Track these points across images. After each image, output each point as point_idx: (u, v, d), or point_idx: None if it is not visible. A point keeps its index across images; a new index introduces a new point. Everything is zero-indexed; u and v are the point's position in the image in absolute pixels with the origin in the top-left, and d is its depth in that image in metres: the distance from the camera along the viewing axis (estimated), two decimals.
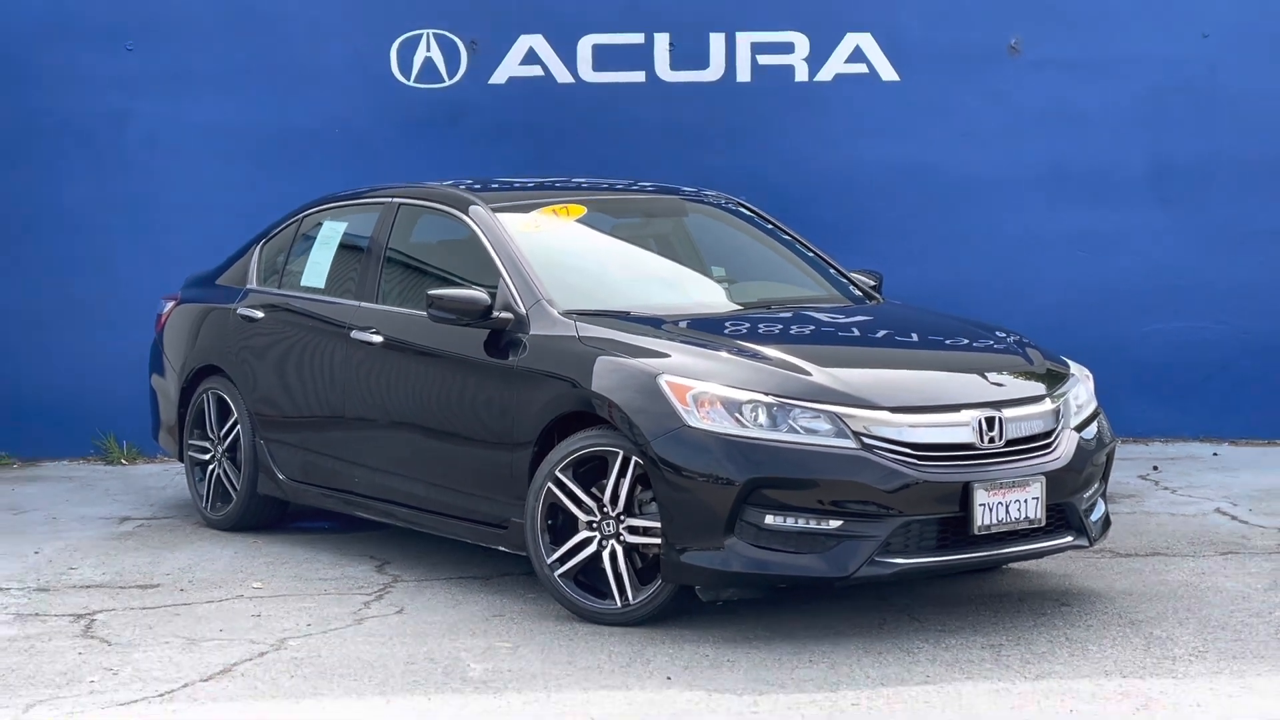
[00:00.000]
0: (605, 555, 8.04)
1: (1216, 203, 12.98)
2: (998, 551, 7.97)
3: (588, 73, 12.86)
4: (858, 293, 9.58)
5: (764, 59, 12.90)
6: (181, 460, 10.84)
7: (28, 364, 12.86)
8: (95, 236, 12.85)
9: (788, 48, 12.89)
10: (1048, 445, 8.10)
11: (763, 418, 7.73)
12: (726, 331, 8.47)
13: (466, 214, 9.23)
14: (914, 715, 6.72)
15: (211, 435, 10.43)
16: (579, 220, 9.46)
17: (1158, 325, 12.88)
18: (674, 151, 12.59)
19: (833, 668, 7.38)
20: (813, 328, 8.79)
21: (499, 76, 12.86)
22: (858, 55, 12.89)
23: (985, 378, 8.21)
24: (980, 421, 7.89)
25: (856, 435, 7.69)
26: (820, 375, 7.89)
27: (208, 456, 10.48)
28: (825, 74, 12.90)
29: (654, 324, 8.47)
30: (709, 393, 7.79)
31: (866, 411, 7.76)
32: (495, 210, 9.18)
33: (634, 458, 7.90)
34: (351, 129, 12.83)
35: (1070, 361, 8.73)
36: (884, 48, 12.89)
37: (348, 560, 9.54)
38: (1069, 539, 8.18)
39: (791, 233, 10.03)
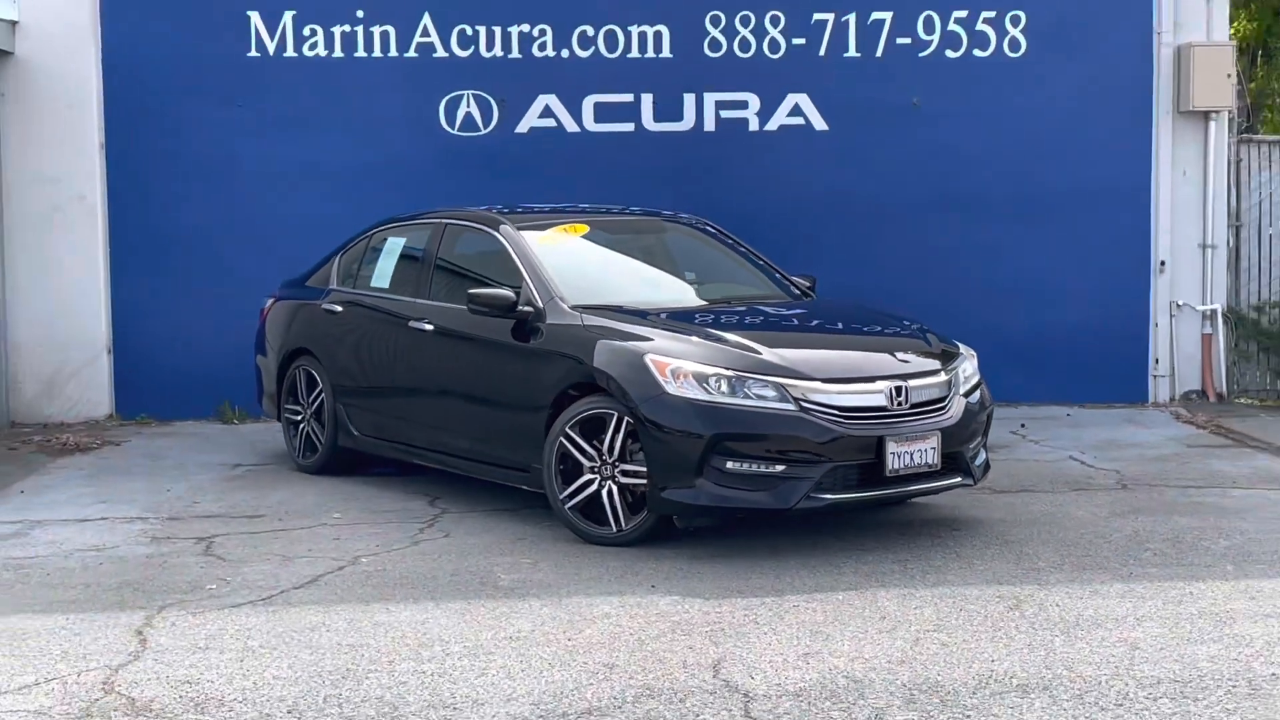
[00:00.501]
0: (604, 493, 8.01)
1: (1067, 222, 12.93)
2: (904, 489, 7.96)
3: (590, 124, 12.77)
4: (797, 292, 9.52)
5: (725, 113, 12.81)
6: (279, 421, 10.76)
7: (163, 347, 12.74)
8: (212, 248, 12.74)
9: (743, 104, 12.80)
10: (942, 408, 8.07)
11: (724, 387, 7.70)
12: (696, 321, 8.43)
13: (497, 231, 9.19)
14: (839, 614, 6.68)
15: (302, 401, 10.36)
16: (583, 236, 9.39)
17: (1024, 315, 12.82)
18: (656, 185, 12.46)
19: (778, 577, 7.34)
20: (762, 318, 8.76)
21: (523, 127, 12.76)
22: (797, 110, 12.80)
23: (894, 356, 8.20)
24: (891, 390, 7.86)
25: (796, 400, 7.65)
26: (768, 354, 7.86)
27: (299, 418, 10.40)
28: (772, 125, 12.82)
29: (640, 315, 8.42)
30: (683, 368, 7.76)
31: (803, 382, 7.72)
32: (519, 228, 9.14)
33: (626, 418, 7.87)
34: (407, 167, 12.72)
35: (959, 344, 8.68)
36: (817, 104, 12.80)
37: (407, 497, 9.47)
38: (958, 479, 8.15)
39: (746, 246, 9.97)
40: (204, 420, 12.75)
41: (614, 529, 7.99)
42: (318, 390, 10.20)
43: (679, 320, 8.39)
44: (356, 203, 12.53)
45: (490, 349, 8.76)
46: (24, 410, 12.65)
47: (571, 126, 12.78)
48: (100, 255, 12.65)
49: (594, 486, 8.04)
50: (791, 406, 7.65)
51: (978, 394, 8.39)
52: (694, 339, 8.02)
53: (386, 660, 6.11)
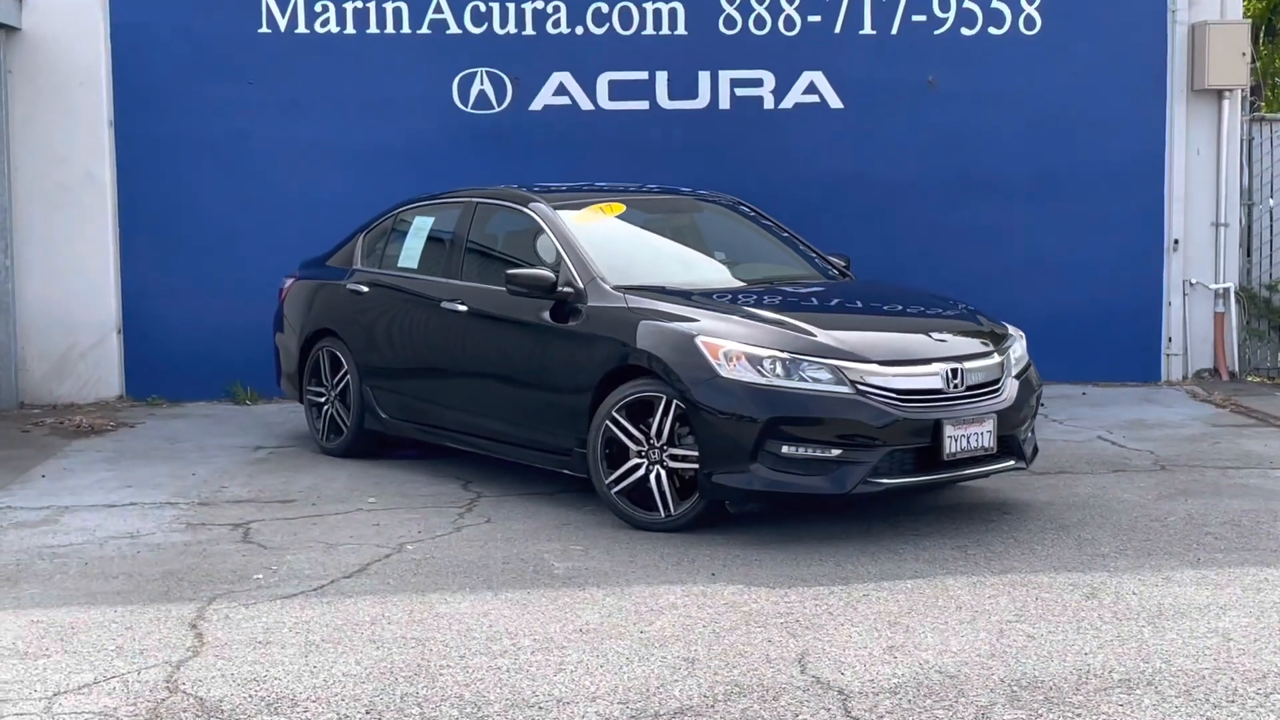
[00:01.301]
0: (651, 478, 7.69)
1: (1081, 201, 12.68)
2: (959, 473, 7.66)
3: (605, 102, 12.41)
4: (834, 272, 9.20)
5: (740, 91, 12.47)
6: (301, 403, 10.40)
7: (174, 327, 12.34)
8: (224, 228, 12.34)
9: (758, 82, 12.46)
10: (996, 390, 7.79)
11: (779, 369, 7.38)
12: (742, 301, 8.10)
13: (532, 210, 8.84)
14: (912, 603, 6.38)
15: (326, 383, 10.00)
16: (618, 216, 9.02)
17: (1037, 294, 12.53)
18: (671, 164, 12.15)
19: (839, 565, 7.04)
20: (807, 299, 8.45)
21: (537, 104, 12.39)
22: (812, 88, 12.48)
23: (948, 337, 7.89)
24: (947, 372, 7.58)
25: (852, 383, 7.36)
26: (822, 336, 7.55)
27: (323, 400, 10.04)
28: (787, 103, 12.49)
29: (684, 296, 8.10)
30: (736, 350, 7.45)
31: (859, 364, 7.42)
32: (555, 207, 8.79)
33: (675, 401, 7.56)
34: (420, 145, 12.34)
35: (1007, 324, 8.37)
36: (832, 83, 12.48)
37: (438, 480, 9.14)
38: (1011, 463, 7.88)
39: (781, 225, 9.66)
40: (216, 401, 12.37)
41: (662, 514, 7.68)
42: (342, 372, 9.84)
43: (724, 301, 8.07)
44: (369, 181, 12.22)
45: (528, 330, 8.42)
46: (33, 391, 12.24)
47: (586, 104, 12.42)
48: (110, 234, 12.23)
49: (641, 471, 7.72)
50: (847, 389, 7.34)
51: (1028, 375, 8.10)
52: (745, 320, 7.70)
53: (458, 655, 5.78)
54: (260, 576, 7.00)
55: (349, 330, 9.77)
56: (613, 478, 7.81)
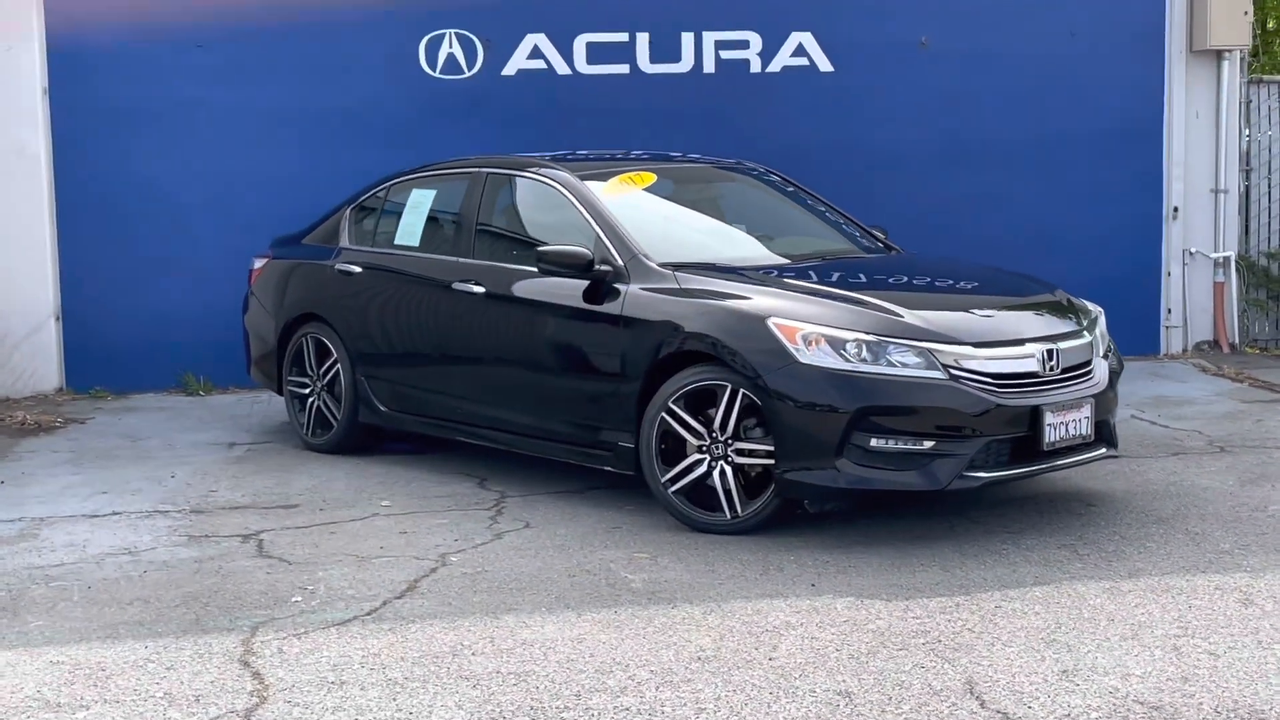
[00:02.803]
0: (715, 475, 6.93)
1: (1078, 168, 12.11)
2: (1056, 463, 6.98)
3: (582, 66, 11.60)
4: (878, 245, 8.49)
5: (725, 54, 11.72)
6: (279, 394, 9.49)
7: (118, 313, 11.35)
8: (172, 204, 11.35)
9: (744, 44, 11.72)
10: (1089, 372, 7.13)
11: (865, 353, 6.64)
12: (812, 278, 7.36)
13: (556, 181, 8.02)
14: (1055, 615, 5.69)
15: (311, 372, 9.10)
16: (647, 188, 8.22)
17: (1035, 265, 11.84)
18: (653, 131, 11.36)
19: (946, 570, 6.35)
20: (870, 275, 7.71)
21: (509, 69, 11.54)
22: (801, 50, 11.76)
23: (1039, 315, 7.23)
24: (1043, 353, 6.89)
25: (945, 368, 6.65)
26: (910, 316, 6.83)
27: (307, 391, 9.14)
28: (775, 66, 11.77)
29: (737, 273, 7.34)
30: (816, 332, 6.70)
31: (952, 347, 6.72)
32: (582, 177, 7.97)
33: (742, 390, 6.80)
34: (385, 113, 11.45)
35: (1086, 301, 7.73)
36: (822, 44, 11.77)
37: (450, 478, 8.31)
38: (1103, 450, 7.22)
39: (815, 194, 8.93)
40: (166, 392, 11.39)
41: (727, 515, 6.94)
42: (330, 360, 8.96)
43: (788, 278, 7.33)
44: (329, 152, 11.39)
45: (559, 314, 7.62)
46: None
47: (562, 69, 11.59)
48: (45, 212, 11.20)
49: (702, 468, 6.97)
50: (940, 374, 6.64)
51: (1113, 355, 7.46)
52: (820, 299, 6.98)
53: (572, 694, 4.99)
54: (299, 599, 6.14)
55: (338, 315, 8.88)
56: (669, 475, 7.04)
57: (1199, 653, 5.24)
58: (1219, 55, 12.09)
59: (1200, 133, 12.21)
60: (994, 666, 5.14)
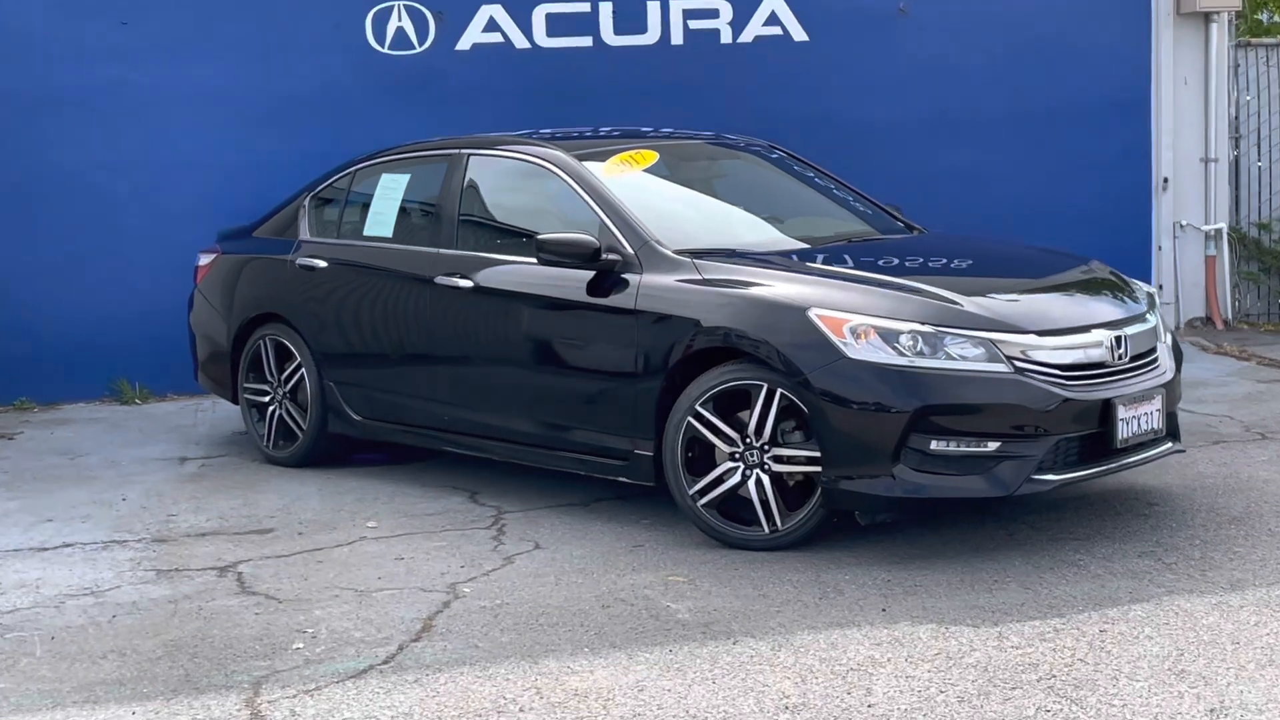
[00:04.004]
0: (750, 484, 6.25)
1: (1064, 138, 11.55)
2: (1126, 461, 6.36)
3: (542, 39, 10.85)
4: (901, 225, 7.84)
5: (694, 24, 11.02)
6: (234, 402, 8.67)
7: (40, 315, 10.41)
8: (97, 197, 10.45)
9: (714, 14, 11.03)
10: (1155, 360, 6.53)
11: (922, 346, 5.98)
12: (846, 263, 6.70)
13: (549, 162, 7.28)
14: (1173, 640, 5.07)
15: (272, 378, 8.30)
16: (648, 167, 7.49)
17: (1019, 239, 11.34)
18: (619, 108, 10.61)
19: (1026, 588, 5.72)
20: (906, 258, 7.04)
21: (464, 43, 10.77)
22: (773, 19, 11.09)
23: (1101, 298, 6.62)
24: (1111, 340, 6.27)
25: (1009, 359, 6.00)
26: (967, 303, 6.17)
27: (268, 399, 8.34)
28: (746, 36, 11.09)
29: (765, 260, 6.67)
30: (866, 324, 6.03)
31: (1018, 336, 6.08)
32: (580, 158, 7.24)
33: (780, 390, 6.11)
34: (330, 93, 10.63)
35: (1136, 280, 7.13)
36: (795, 12, 11.10)
37: (436, 492, 7.57)
38: (1170, 445, 6.62)
39: (825, 171, 8.27)
40: (98, 401, 10.51)
41: (765, 529, 6.26)
42: (294, 365, 8.18)
43: (821, 264, 6.66)
44: (270, 136, 10.58)
45: (562, 309, 6.90)
46: None
47: (521, 42, 10.83)
48: None
49: (735, 478, 6.28)
50: (1004, 367, 6.00)
51: (1171, 340, 6.87)
52: (865, 286, 6.31)
53: None
54: (300, 646, 5.38)
55: (301, 314, 8.09)
56: (698, 487, 6.36)
57: None
58: (1207, 18, 11.59)
59: (1189, 100, 11.72)
60: (1128, 707, 4.50)
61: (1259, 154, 12.02)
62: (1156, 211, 11.73)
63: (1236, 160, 12.02)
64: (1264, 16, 13.92)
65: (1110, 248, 11.36)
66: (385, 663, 5.17)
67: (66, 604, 5.98)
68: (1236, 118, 11.95)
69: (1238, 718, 4.39)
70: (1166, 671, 4.77)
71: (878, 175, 10.96)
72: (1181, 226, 11.75)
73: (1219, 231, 11.79)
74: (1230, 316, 11.92)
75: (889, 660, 4.97)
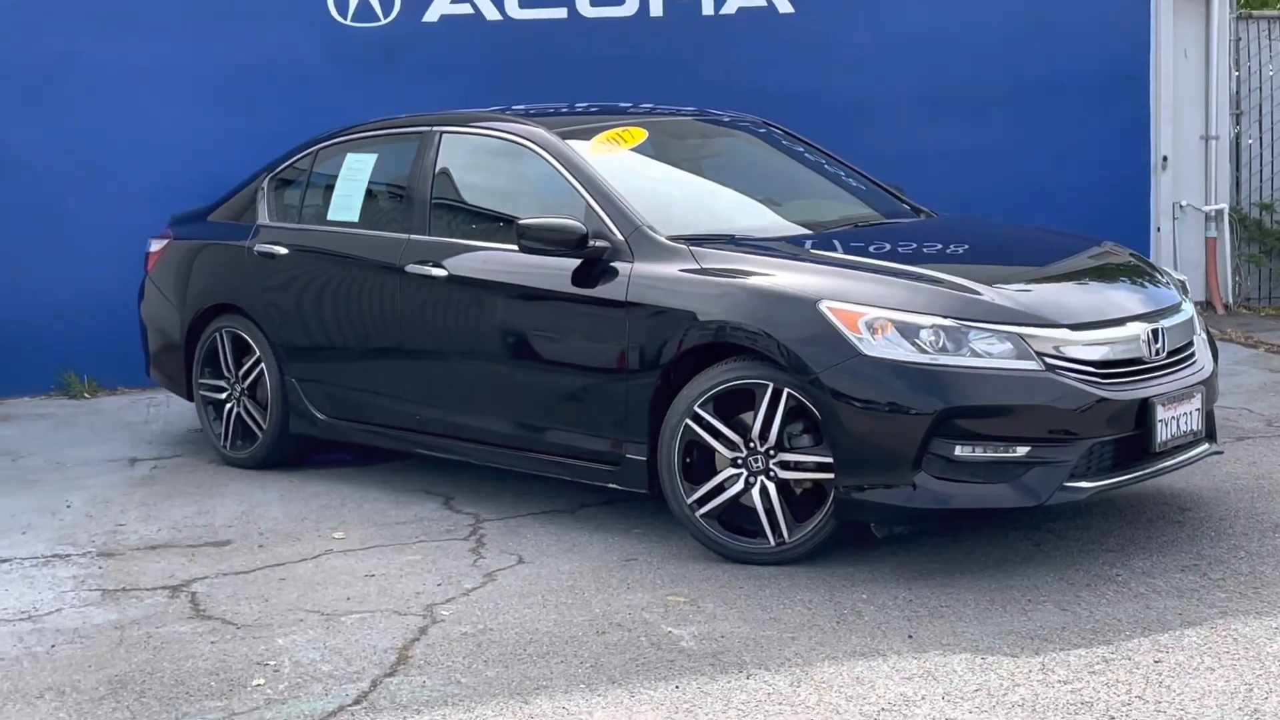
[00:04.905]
0: (754, 493, 5.69)
1: (1061, 115, 11.02)
2: (1164, 465, 5.81)
3: (514, 10, 10.26)
4: (907, 207, 7.29)
5: None
6: (188, 398, 8.06)
7: None
8: (40, 178, 9.83)
9: None
10: (1193, 355, 6.01)
11: (945, 342, 5.43)
12: (855, 251, 6.14)
13: (530, 140, 6.69)
14: (1237, 670, 4.55)
15: (229, 374, 7.71)
16: (636, 146, 6.91)
17: (1015, 220, 10.82)
18: (597, 83, 10.04)
19: (1063, 609, 5.18)
20: (921, 244, 6.46)
21: (431, 15, 10.16)
22: None
23: (1135, 287, 6.07)
24: (1148, 334, 5.74)
25: (1039, 356, 5.46)
26: (991, 294, 5.63)
27: (224, 396, 7.74)
28: (729, 8, 10.53)
29: (766, 248, 6.11)
30: (882, 317, 5.48)
31: (1049, 331, 5.54)
32: (563, 136, 6.66)
33: (787, 390, 5.56)
34: (290, 67, 10.02)
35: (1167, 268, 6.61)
36: None
37: (407, 498, 7.00)
38: (1208, 447, 6.09)
39: (824, 150, 7.68)
40: (44, 396, 9.88)
41: (772, 542, 5.71)
42: (253, 359, 7.58)
43: (828, 251, 6.10)
44: (226, 113, 10.00)
45: (548, 301, 6.33)
46: None
47: (492, 14, 10.23)
48: None
49: (738, 485, 5.73)
50: (1034, 364, 5.46)
51: (1204, 332, 6.35)
52: (880, 276, 5.74)
53: None
54: (261, 682, 4.80)
55: (260, 306, 7.50)
56: (697, 495, 5.80)
57: None
58: None
59: (1189, 75, 11.24)
60: None
61: (1260, 131, 11.51)
62: (1155, 191, 11.23)
63: (1238, 138, 11.51)
64: None
65: (1108, 229, 10.73)
66: (356, 703, 4.60)
67: (0, 631, 5.38)
68: (1238, 93, 11.45)
69: None
70: (1238, 711, 4.25)
71: (867, 153, 10.31)
72: (1181, 207, 11.28)
73: (1220, 212, 11.32)
74: (1231, 301, 11.44)
75: (923, 698, 4.43)
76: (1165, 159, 11.18)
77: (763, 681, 4.62)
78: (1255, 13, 11.68)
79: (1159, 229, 11.25)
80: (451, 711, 4.49)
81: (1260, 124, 11.54)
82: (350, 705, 4.58)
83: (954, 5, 10.79)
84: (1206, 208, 11.29)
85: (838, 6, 10.65)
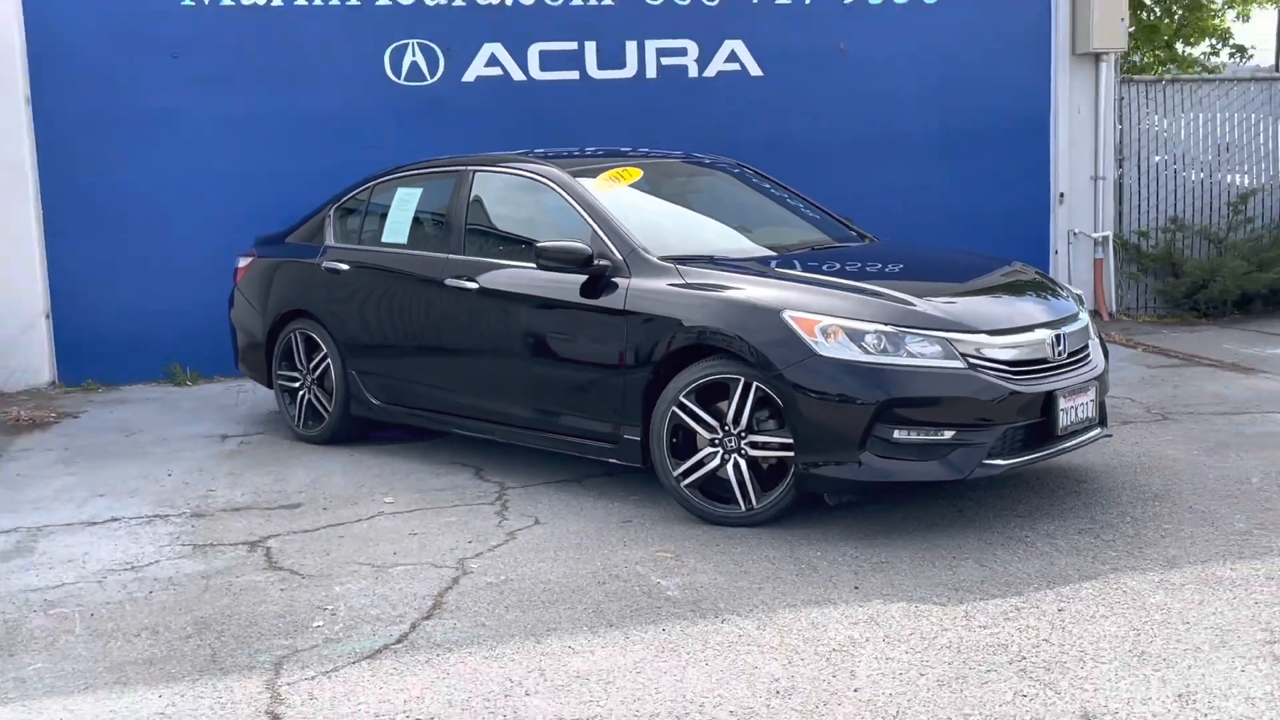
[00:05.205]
0: (729, 467, 5.51)
1: (978, 157, 10.84)
2: (1064, 446, 5.63)
3: (536, 72, 10.04)
4: (855, 234, 7.09)
5: (666, 60, 10.24)
6: (269, 387, 7.87)
7: (105, 310, 9.56)
8: (152, 207, 9.59)
9: (683, 52, 10.25)
10: (1088, 355, 5.82)
11: (885, 345, 5.25)
12: (811, 269, 5.94)
13: (547, 178, 6.50)
14: (1129, 620, 4.37)
15: (301, 367, 7.51)
16: (633, 183, 6.72)
17: (944, 245, 10.60)
18: (601, 132, 9.87)
19: (982, 565, 5.00)
20: (866, 264, 6.25)
21: (469, 76, 9.95)
22: (733, 57, 10.32)
23: (1039, 300, 5.87)
24: (1052, 338, 5.55)
25: (963, 356, 5.28)
26: (923, 305, 5.44)
27: (297, 385, 7.55)
28: (710, 71, 10.32)
29: (739, 266, 5.91)
30: (834, 324, 5.29)
31: (971, 336, 5.36)
32: (574, 174, 6.47)
33: (755, 383, 5.38)
34: (353, 118, 9.80)
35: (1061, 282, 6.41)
36: (752, 51, 10.35)
37: (445, 469, 6.80)
38: (1100, 431, 5.91)
39: (787, 187, 7.50)
40: (154, 383, 9.65)
41: (742, 507, 5.53)
42: (320, 355, 7.38)
43: (789, 269, 5.91)
44: (300, 155, 9.69)
45: (559, 309, 6.13)
46: None
47: (518, 75, 10.02)
48: (32, 217, 9.36)
49: (715, 461, 5.55)
50: (959, 364, 5.28)
51: (1098, 336, 6.16)
52: (831, 290, 5.55)
53: None
54: (320, 624, 4.63)
55: (327, 311, 7.30)
56: (681, 469, 5.62)
57: None
58: (1097, 58, 10.89)
59: (1082, 127, 11.02)
60: (1101, 692, 3.80)
61: (1138, 173, 11.31)
62: (1054, 221, 11.04)
63: (1120, 178, 11.31)
64: (1136, 58, 13.26)
65: (1016, 251, 10.55)
66: (399, 642, 4.42)
67: (108, 579, 5.20)
68: (1120, 142, 11.24)
69: (1205, 704, 3.70)
70: (1128, 653, 4.07)
71: (822, 189, 10.11)
72: (1074, 234, 11.08)
73: (1106, 239, 11.11)
74: (1115, 309, 11.25)
75: (868, 641, 4.26)
76: (1062, 195, 10.99)
77: (734, 625, 4.45)
78: (1135, 77, 11.44)
79: (1057, 251, 11.05)
80: (477, 650, 4.31)
81: (1138, 168, 11.33)
82: (393, 644, 4.40)
83: (891, 69, 10.58)
84: (1095, 235, 11.09)
85: (798, 71, 10.43)
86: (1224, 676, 3.87)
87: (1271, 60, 19.01)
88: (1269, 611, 4.37)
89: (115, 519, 6.08)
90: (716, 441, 5.54)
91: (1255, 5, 17.95)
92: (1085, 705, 3.71)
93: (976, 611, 4.47)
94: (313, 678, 4.13)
